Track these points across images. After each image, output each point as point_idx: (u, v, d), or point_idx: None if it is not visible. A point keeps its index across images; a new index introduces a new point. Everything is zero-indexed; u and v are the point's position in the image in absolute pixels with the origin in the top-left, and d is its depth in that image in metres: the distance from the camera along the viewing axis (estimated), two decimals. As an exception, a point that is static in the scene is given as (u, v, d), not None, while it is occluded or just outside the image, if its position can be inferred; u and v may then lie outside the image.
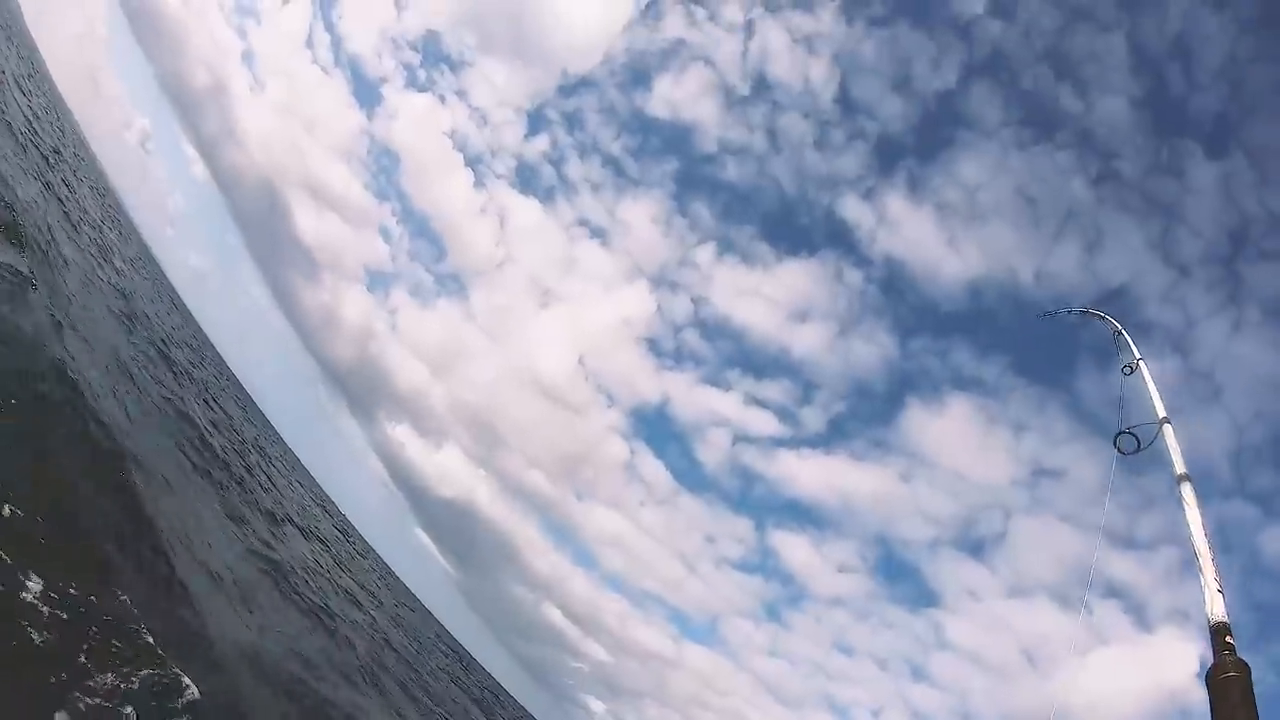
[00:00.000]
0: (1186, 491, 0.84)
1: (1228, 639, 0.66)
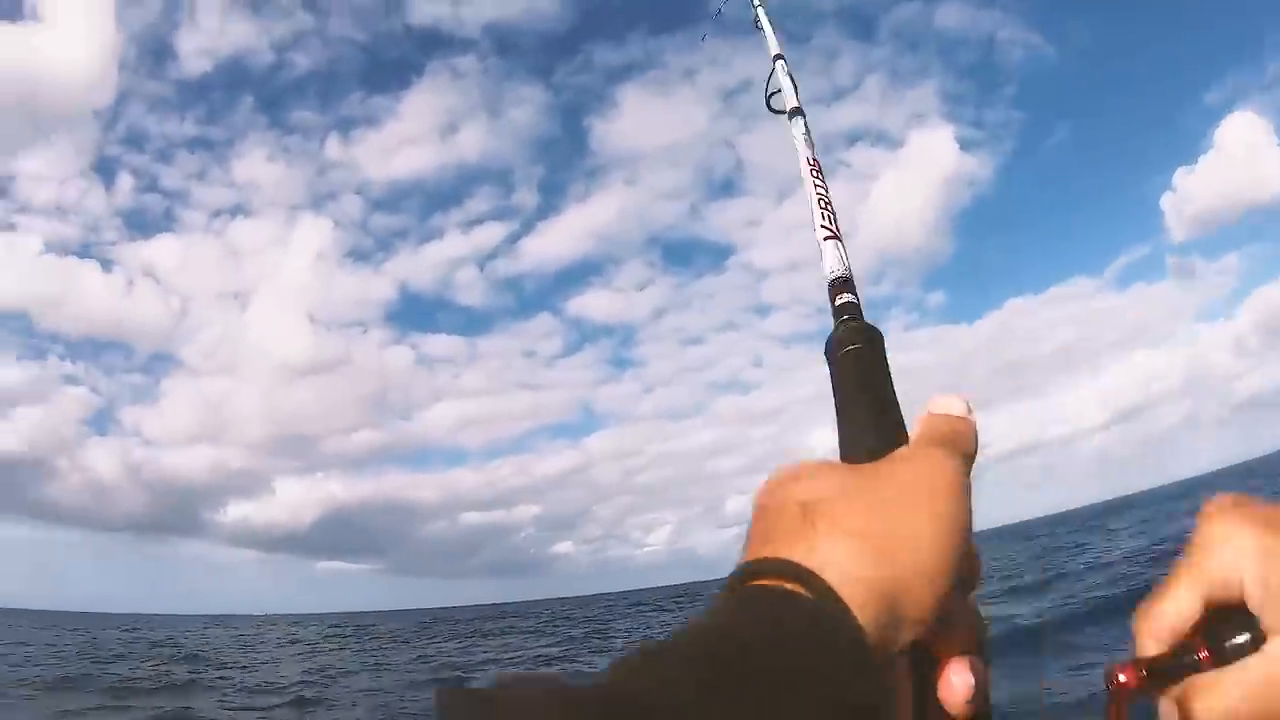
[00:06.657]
0: (797, 126, 0.94)
1: (846, 297, 0.84)
